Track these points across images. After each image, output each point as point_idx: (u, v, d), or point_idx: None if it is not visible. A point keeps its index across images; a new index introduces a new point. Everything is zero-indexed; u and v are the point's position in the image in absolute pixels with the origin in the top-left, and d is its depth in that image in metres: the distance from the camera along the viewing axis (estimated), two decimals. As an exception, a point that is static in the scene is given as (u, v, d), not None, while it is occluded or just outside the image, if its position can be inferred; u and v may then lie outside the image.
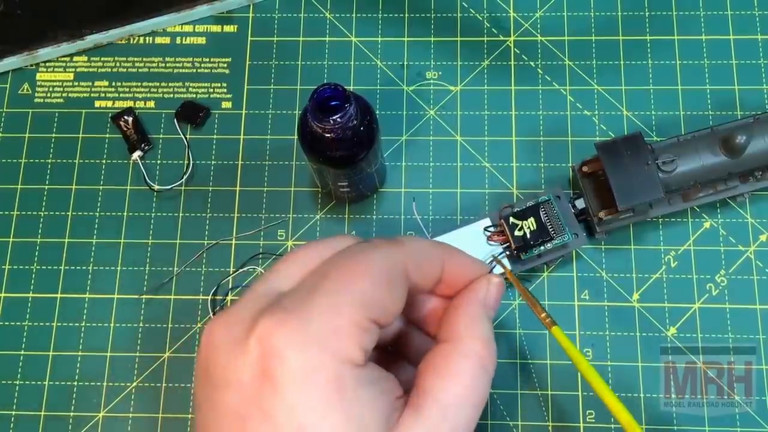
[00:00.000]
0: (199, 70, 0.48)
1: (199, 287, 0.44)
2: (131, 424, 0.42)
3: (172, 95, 0.47)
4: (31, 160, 0.47)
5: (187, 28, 0.49)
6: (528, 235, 0.40)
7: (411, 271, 0.27)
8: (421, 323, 0.31)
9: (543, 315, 0.33)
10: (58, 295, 0.44)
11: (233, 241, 0.45)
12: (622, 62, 0.47)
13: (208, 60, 0.48)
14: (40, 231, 0.45)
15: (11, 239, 0.45)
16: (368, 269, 0.26)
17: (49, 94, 0.48)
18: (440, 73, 0.47)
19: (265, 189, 0.45)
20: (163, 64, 0.48)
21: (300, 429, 0.23)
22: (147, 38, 0.49)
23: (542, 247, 0.41)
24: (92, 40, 0.48)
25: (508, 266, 0.40)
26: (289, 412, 0.23)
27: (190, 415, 0.42)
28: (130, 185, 0.46)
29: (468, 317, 0.28)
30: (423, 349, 0.29)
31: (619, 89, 0.46)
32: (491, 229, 0.42)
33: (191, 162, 0.46)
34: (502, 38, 0.48)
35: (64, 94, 0.48)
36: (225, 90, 0.47)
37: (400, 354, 0.31)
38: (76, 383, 0.43)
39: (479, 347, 0.27)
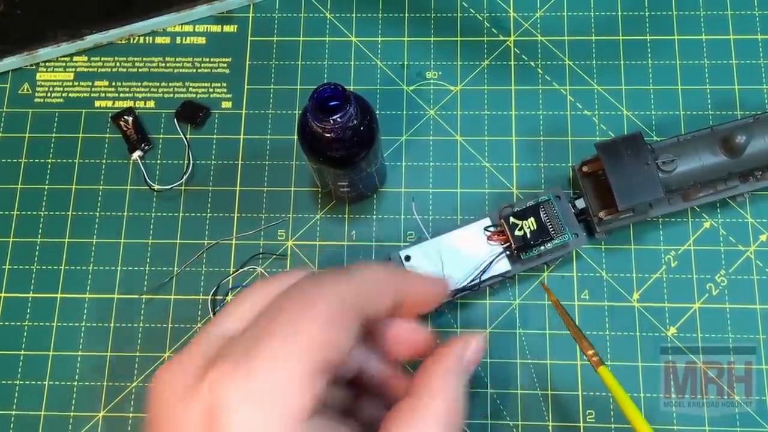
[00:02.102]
0: (199, 70, 0.48)
1: (199, 287, 0.44)
2: (131, 424, 0.42)
3: (172, 95, 0.47)
4: (31, 160, 0.47)
5: (187, 28, 0.49)
6: (528, 235, 0.40)
7: (364, 305, 0.26)
8: (383, 348, 0.30)
9: (590, 352, 0.33)
10: (58, 295, 0.44)
11: (233, 241, 0.45)
12: (622, 62, 0.47)
13: (208, 60, 0.48)
14: (40, 231, 0.45)
15: (11, 239, 0.45)
16: (317, 310, 0.25)
17: (49, 94, 0.48)
18: (440, 72, 0.47)
19: (265, 189, 0.45)
20: (163, 64, 0.48)
21: None
22: (147, 38, 0.49)
23: (542, 247, 0.41)
24: (92, 40, 0.48)
25: (554, 296, 0.40)
26: None
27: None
28: (130, 185, 0.46)
29: (441, 375, 0.28)
30: (387, 381, 0.29)
31: (619, 89, 0.46)
32: (491, 228, 0.42)
33: (191, 162, 0.46)
34: (502, 38, 0.48)
35: (64, 94, 0.48)
36: (225, 90, 0.47)
37: (362, 386, 0.30)
38: (76, 383, 0.43)
39: (450, 407, 0.27)
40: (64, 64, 0.48)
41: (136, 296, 0.44)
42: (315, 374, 0.24)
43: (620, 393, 0.33)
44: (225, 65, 0.48)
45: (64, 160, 0.46)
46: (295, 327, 0.24)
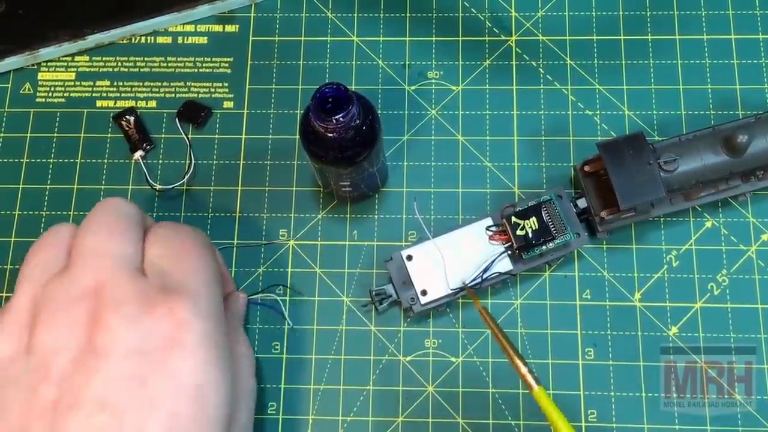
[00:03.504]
0: (200, 70, 0.48)
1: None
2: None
3: (173, 95, 0.48)
4: (33, 160, 0.47)
5: (189, 28, 0.49)
6: (530, 235, 0.40)
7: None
8: None
9: (524, 370, 0.34)
10: (60, 295, 0.44)
11: (234, 241, 0.45)
12: (623, 62, 0.47)
13: (209, 60, 0.48)
14: (41, 231, 0.45)
15: (13, 239, 0.45)
16: (200, 244, 0.35)
17: (50, 94, 0.48)
18: (442, 72, 0.47)
19: (267, 189, 0.46)
20: (165, 64, 0.48)
21: (197, 387, 0.29)
22: (149, 38, 0.49)
23: (544, 247, 0.41)
24: (94, 39, 0.48)
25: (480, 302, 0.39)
26: (192, 371, 0.29)
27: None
28: (132, 185, 0.46)
29: (228, 329, 0.34)
30: None
31: (621, 89, 0.46)
32: (493, 228, 0.42)
33: (193, 162, 0.46)
34: (503, 38, 0.48)
35: (66, 94, 0.48)
36: (227, 90, 0.47)
37: None
38: (78, 383, 0.43)
39: (243, 348, 0.39)
40: (65, 63, 0.48)
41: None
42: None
43: (554, 416, 0.33)
44: (227, 65, 0.48)
45: (66, 160, 0.46)
46: (207, 267, 0.34)
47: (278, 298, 0.43)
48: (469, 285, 0.40)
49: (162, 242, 0.33)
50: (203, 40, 0.49)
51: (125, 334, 0.29)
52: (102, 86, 0.48)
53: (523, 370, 0.34)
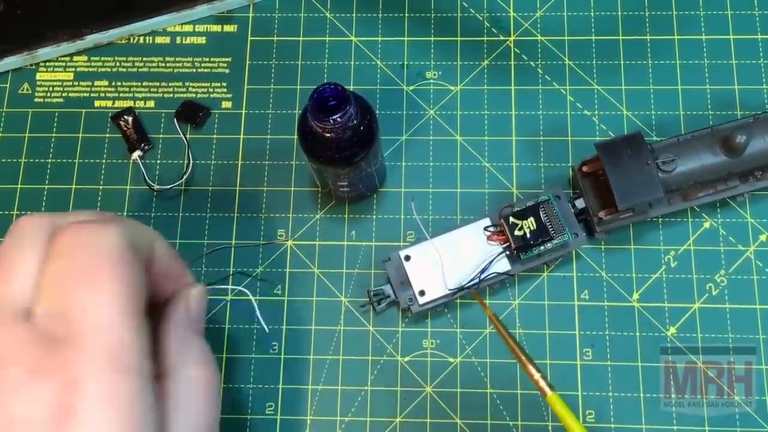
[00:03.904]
0: (199, 70, 0.48)
1: (198, 287, 0.44)
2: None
3: (172, 95, 0.47)
4: (31, 160, 0.47)
5: (187, 28, 0.49)
6: (528, 235, 0.40)
7: (141, 246, 0.27)
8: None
9: (537, 376, 0.33)
10: (58, 295, 0.44)
11: (233, 241, 0.45)
12: (622, 62, 0.47)
13: (208, 60, 0.48)
14: (40, 231, 0.45)
15: (11, 239, 0.45)
16: (103, 257, 0.25)
17: (49, 94, 0.48)
18: (440, 72, 0.47)
19: (265, 189, 0.46)
20: (163, 64, 0.48)
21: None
22: (147, 38, 0.49)
23: (542, 247, 0.41)
24: (92, 39, 0.48)
25: (488, 306, 0.38)
26: None
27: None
28: (130, 185, 0.46)
29: (175, 344, 0.27)
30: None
31: (619, 89, 0.46)
32: (491, 228, 0.42)
33: (191, 162, 0.46)
34: (502, 38, 0.48)
35: (64, 94, 0.48)
36: (225, 90, 0.47)
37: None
38: (75, 383, 0.43)
39: (196, 371, 0.27)
40: (64, 63, 0.48)
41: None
42: (140, 324, 0.25)
43: (568, 420, 0.32)
44: (225, 65, 0.48)
45: (64, 160, 0.46)
46: (101, 285, 0.25)
47: (251, 297, 0.42)
48: (467, 285, 0.40)
49: (60, 260, 0.25)
50: (202, 40, 0.49)
51: (3, 405, 0.23)
52: (100, 86, 0.48)
53: (536, 376, 0.34)
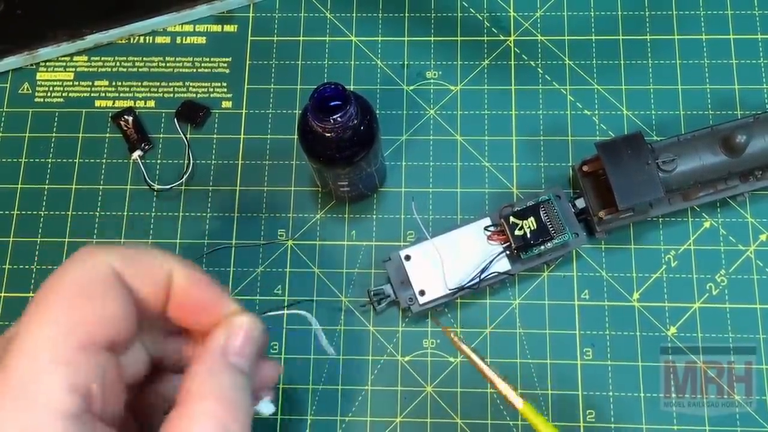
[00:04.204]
0: (199, 70, 0.48)
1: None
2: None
3: (172, 95, 0.47)
4: (32, 160, 0.47)
5: (188, 28, 0.49)
6: (528, 235, 0.40)
7: (127, 276, 0.24)
8: (173, 366, 0.27)
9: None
10: (58, 295, 0.44)
11: (233, 241, 0.45)
12: (622, 62, 0.47)
13: (208, 59, 0.48)
14: (40, 231, 0.45)
15: (11, 239, 0.45)
16: (58, 287, 0.22)
17: (49, 94, 0.48)
18: (440, 72, 0.47)
19: (265, 188, 0.46)
20: (164, 64, 0.48)
21: None
22: (147, 38, 0.49)
23: (542, 247, 0.41)
24: (92, 39, 0.48)
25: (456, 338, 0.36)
26: None
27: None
28: (130, 185, 0.46)
29: (202, 372, 0.24)
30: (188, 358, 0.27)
31: (619, 89, 0.46)
32: (491, 228, 0.42)
33: (191, 162, 0.46)
34: (502, 38, 0.48)
35: (65, 94, 0.48)
36: (225, 90, 0.47)
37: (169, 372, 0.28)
38: (76, 383, 0.43)
39: (214, 407, 0.23)
40: (64, 63, 0.48)
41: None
42: (74, 357, 0.22)
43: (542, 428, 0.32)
44: (225, 65, 0.48)
45: (64, 160, 0.46)
46: (39, 313, 0.22)
47: (315, 324, 0.37)
48: (467, 285, 0.40)
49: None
50: (202, 40, 0.49)
51: None
52: (100, 86, 0.48)
53: (505, 391, 0.33)
